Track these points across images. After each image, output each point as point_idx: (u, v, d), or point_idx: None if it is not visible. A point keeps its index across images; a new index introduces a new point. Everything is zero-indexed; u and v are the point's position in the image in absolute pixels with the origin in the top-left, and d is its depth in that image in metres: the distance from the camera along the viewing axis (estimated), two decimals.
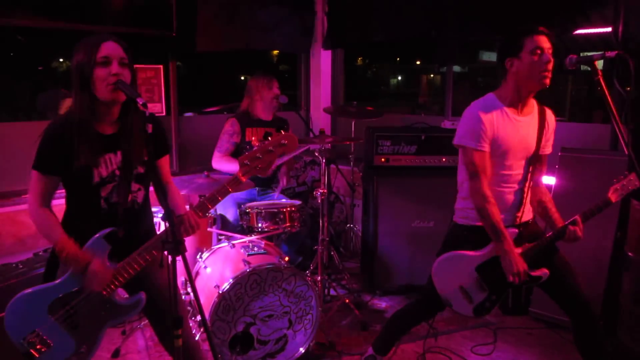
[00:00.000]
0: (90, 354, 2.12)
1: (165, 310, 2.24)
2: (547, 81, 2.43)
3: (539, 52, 2.40)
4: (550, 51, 2.42)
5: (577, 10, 3.78)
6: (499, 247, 2.48)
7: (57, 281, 2.09)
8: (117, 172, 2.14)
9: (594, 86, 2.19)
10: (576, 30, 3.83)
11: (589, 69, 2.27)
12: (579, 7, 3.78)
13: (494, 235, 2.49)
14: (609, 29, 3.67)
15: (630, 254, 3.15)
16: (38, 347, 2.05)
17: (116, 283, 2.08)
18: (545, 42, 2.42)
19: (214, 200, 2.13)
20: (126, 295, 2.22)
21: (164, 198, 1.84)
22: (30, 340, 2.04)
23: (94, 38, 2.05)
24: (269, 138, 2.17)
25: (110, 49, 2.02)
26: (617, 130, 2.15)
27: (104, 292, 2.07)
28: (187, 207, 2.20)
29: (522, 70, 2.45)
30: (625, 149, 2.13)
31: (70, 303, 2.06)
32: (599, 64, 2.26)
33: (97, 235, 2.07)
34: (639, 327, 3.03)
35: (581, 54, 2.38)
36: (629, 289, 3.17)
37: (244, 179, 2.11)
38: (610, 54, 2.19)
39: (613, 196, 2.46)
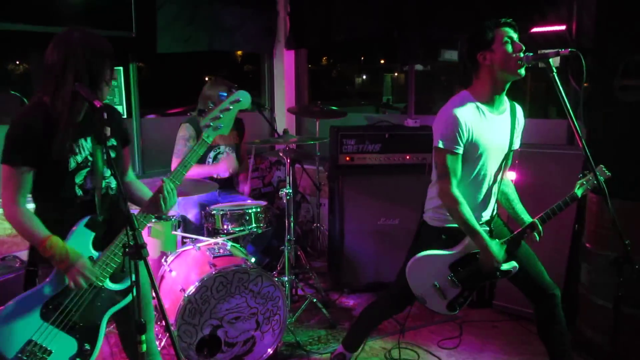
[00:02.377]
0: (95, 351, 2.06)
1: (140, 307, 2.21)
2: (523, 70, 2.43)
3: (510, 41, 2.42)
4: (518, 39, 2.45)
5: (533, 9, 3.88)
6: (477, 243, 2.51)
7: (42, 284, 2.02)
8: (89, 157, 2.11)
9: (551, 83, 2.24)
10: (533, 28, 3.92)
11: (544, 66, 2.31)
12: (536, 5, 3.87)
13: (469, 233, 2.52)
14: (564, 27, 3.77)
15: (587, 245, 3.24)
16: (38, 356, 1.98)
17: (105, 273, 2.04)
18: (513, 33, 2.45)
19: (186, 166, 2.13)
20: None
21: (123, 194, 1.83)
22: (29, 351, 1.96)
23: (65, 32, 2.03)
24: (224, 97, 2.22)
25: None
26: (572, 125, 2.20)
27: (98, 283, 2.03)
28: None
29: (497, 61, 2.44)
30: (580, 144, 2.19)
31: (63, 303, 2.00)
32: (555, 61, 2.31)
33: (77, 223, 2.03)
34: (597, 317, 3.12)
35: (539, 51, 2.42)
36: (587, 280, 3.26)
37: (209, 140, 2.15)
38: (564, 52, 2.23)
39: (579, 191, 2.55)
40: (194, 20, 4.79)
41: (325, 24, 5.24)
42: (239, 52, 8.73)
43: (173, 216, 3.58)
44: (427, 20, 4.48)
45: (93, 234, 2.06)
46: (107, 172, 2.16)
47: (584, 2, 3.67)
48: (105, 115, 1.84)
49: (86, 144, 2.11)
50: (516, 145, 2.69)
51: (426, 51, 5.35)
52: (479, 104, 2.52)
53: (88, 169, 2.11)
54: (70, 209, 2.08)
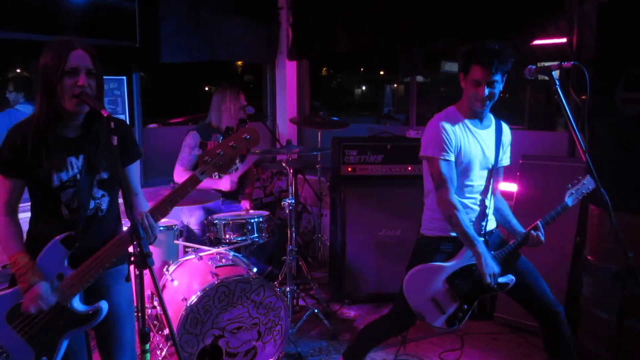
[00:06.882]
0: None
1: (117, 329, 2.15)
2: (480, 108, 2.55)
3: (477, 84, 2.49)
4: (491, 85, 2.48)
5: (533, 22, 3.90)
6: (473, 252, 2.52)
7: (14, 288, 2.00)
8: (78, 177, 2.05)
9: (552, 95, 2.26)
10: (533, 41, 3.95)
11: (547, 78, 2.33)
12: (535, 18, 3.90)
13: (466, 241, 2.53)
14: (564, 40, 3.80)
15: (589, 257, 3.24)
16: (2, 357, 1.98)
17: (73, 291, 1.98)
18: (488, 76, 2.46)
19: (173, 202, 2.02)
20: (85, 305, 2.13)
21: (128, 208, 1.81)
22: None
23: (64, 43, 1.95)
24: (230, 133, 2.08)
25: (78, 59, 1.94)
26: (575, 137, 2.21)
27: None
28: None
29: (465, 90, 2.58)
30: (582, 156, 2.20)
31: None
32: (556, 74, 2.33)
33: (54, 239, 1.99)
34: (599, 330, 3.11)
35: (538, 64, 2.44)
36: (589, 292, 3.26)
37: (202, 177, 2.00)
38: (567, 64, 2.26)
39: (569, 200, 2.58)
40: (197, 31, 4.81)
41: (328, 35, 5.26)
42: (239, 63, 8.76)
43: (175, 225, 3.59)
44: (428, 32, 4.51)
45: (68, 252, 1.99)
46: (98, 193, 2.10)
47: (585, 15, 3.70)
48: (112, 124, 1.83)
49: (76, 162, 2.05)
50: (505, 161, 2.77)
51: (427, 62, 5.38)
52: (463, 118, 2.62)
53: (75, 188, 2.04)
54: (56, 226, 2.03)
